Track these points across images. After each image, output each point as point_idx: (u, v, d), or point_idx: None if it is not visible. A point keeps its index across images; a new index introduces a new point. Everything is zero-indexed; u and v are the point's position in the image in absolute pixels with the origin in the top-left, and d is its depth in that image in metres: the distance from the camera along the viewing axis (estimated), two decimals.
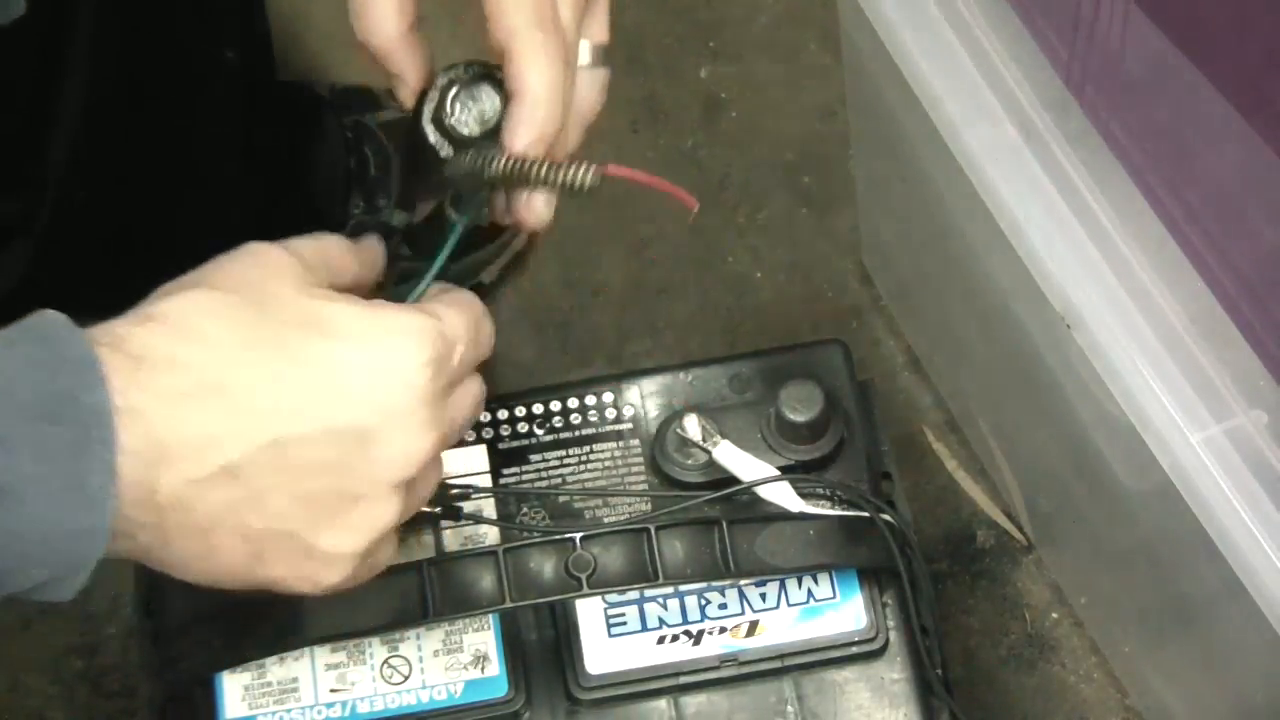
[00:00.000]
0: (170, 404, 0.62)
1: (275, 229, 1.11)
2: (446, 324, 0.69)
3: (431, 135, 0.70)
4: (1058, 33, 0.87)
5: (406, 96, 0.72)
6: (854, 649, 0.87)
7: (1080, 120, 0.86)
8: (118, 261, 1.05)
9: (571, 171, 0.69)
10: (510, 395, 0.91)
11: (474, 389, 0.73)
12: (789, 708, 0.86)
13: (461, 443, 0.88)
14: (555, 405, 0.91)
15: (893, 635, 0.88)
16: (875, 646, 0.87)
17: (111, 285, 1.04)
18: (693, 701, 0.86)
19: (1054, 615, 1.12)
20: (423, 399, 0.67)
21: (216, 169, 1.08)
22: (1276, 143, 0.81)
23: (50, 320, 0.63)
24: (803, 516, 0.85)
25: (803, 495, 0.86)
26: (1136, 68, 0.87)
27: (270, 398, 0.64)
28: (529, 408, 0.90)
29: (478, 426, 0.89)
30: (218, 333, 0.64)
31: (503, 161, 0.70)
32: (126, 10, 0.95)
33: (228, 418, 0.63)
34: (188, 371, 0.63)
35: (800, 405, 0.87)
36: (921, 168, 0.95)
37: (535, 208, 0.72)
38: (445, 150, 0.70)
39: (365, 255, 0.75)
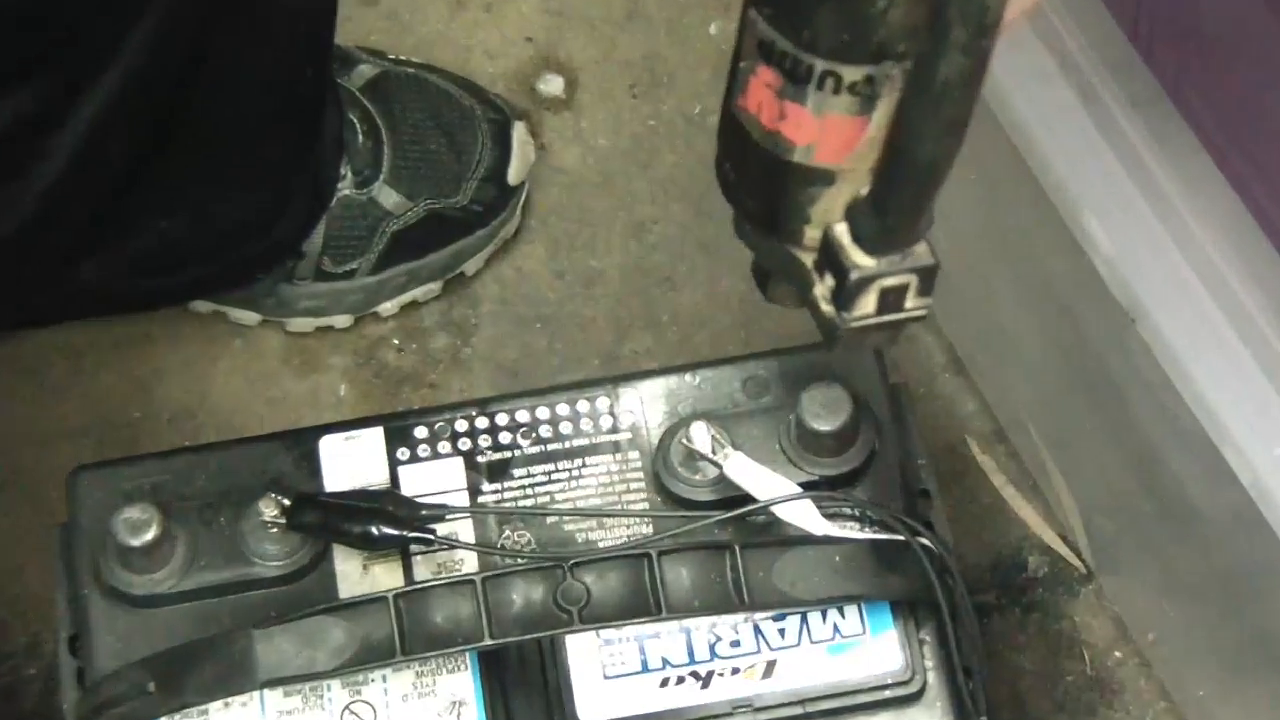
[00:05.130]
0: None
1: (292, 195, 1.14)
2: None
3: None
4: None
5: None
6: (887, 693, 0.87)
7: (1148, 81, 0.89)
8: (126, 201, 1.07)
9: None
10: (490, 400, 0.91)
11: None
12: None
13: (435, 455, 0.89)
14: (542, 412, 0.91)
15: (931, 677, 0.88)
16: (911, 690, 0.87)
17: (113, 224, 1.09)
18: None
19: (1117, 654, 1.13)
20: None
21: (260, 117, 1.09)
22: None
23: None
24: (827, 540, 0.86)
25: (827, 515, 0.86)
26: (1213, 21, 0.88)
27: None
28: (512, 415, 0.90)
29: (453, 437, 0.90)
30: None
31: None
32: None
33: None
34: None
35: (824, 412, 0.87)
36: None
37: None
38: None
39: None
